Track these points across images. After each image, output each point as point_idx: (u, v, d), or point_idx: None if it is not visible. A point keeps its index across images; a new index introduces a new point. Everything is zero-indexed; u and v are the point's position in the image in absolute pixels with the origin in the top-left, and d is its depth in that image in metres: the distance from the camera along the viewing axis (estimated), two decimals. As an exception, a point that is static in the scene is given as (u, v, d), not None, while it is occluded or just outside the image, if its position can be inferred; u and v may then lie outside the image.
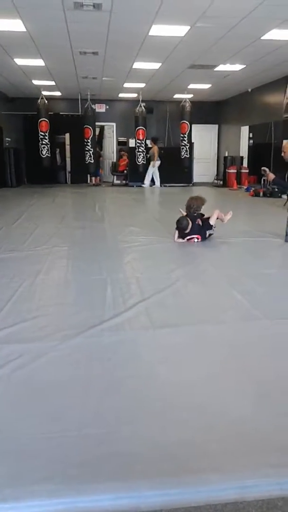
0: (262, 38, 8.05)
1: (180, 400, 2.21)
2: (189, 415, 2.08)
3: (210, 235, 5.88)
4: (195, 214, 5.86)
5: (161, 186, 14.84)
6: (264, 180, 12.50)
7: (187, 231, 5.69)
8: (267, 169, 6.20)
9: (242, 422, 2.03)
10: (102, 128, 16.83)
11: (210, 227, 5.83)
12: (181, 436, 1.93)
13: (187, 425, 2.01)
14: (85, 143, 14.00)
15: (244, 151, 15.19)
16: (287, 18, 6.91)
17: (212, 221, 5.82)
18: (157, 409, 2.13)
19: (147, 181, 14.69)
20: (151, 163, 14.57)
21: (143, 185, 14.64)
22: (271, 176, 6.05)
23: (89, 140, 14.06)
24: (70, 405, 2.15)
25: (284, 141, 6.59)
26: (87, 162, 14.25)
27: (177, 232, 5.84)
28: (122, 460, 1.78)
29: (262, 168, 6.29)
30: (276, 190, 11.60)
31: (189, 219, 5.73)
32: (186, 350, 2.76)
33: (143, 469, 1.73)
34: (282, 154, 6.14)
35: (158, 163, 14.67)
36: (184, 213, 6.00)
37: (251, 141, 14.76)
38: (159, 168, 14.83)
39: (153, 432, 1.96)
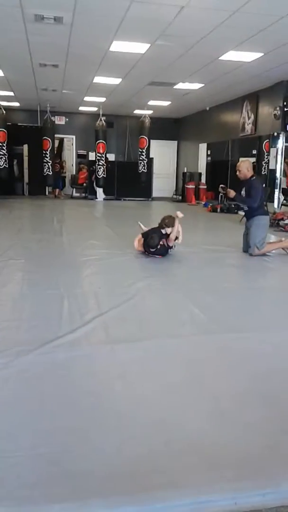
0: (220, 58, 8.29)
1: (136, 416, 2.18)
2: (145, 431, 2.05)
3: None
4: (164, 233, 5.78)
5: (120, 200, 14.89)
6: (221, 196, 12.78)
7: (153, 250, 5.68)
8: (225, 187, 6.33)
9: (198, 436, 2.02)
10: (61, 141, 16.74)
11: (171, 247, 5.85)
12: (137, 453, 1.90)
13: (143, 441, 1.98)
14: (44, 155, 13.88)
15: (202, 168, 15.50)
16: (243, 40, 7.15)
17: (171, 242, 5.80)
18: (113, 426, 2.09)
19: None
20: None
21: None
22: (232, 193, 6.16)
23: (47, 152, 13.94)
24: (22, 423, 2.08)
25: (241, 159, 6.76)
26: (45, 174, 14.12)
27: (141, 240, 5.79)
28: (76, 479, 1.74)
29: (221, 185, 6.42)
30: (233, 206, 11.88)
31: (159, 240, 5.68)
32: (143, 365, 2.74)
33: (97, 488, 1.69)
34: (237, 173, 6.25)
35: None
36: (144, 228, 5.99)
37: (209, 158, 15.09)
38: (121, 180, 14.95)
39: (108, 450, 1.92)
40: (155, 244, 5.60)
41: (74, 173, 16.46)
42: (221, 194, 6.41)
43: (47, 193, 15.57)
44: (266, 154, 11.08)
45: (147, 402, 2.30)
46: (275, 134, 10.64)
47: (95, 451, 1.92)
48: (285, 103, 10.05)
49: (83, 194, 15.59)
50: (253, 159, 12.01)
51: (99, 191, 14.86)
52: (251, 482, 1.75)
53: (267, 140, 11.01)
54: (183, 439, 2.00)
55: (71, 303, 3.79)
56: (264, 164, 11.18)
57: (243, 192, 6.07)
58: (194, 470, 1.81)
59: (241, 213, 10.97)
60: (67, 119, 16.29)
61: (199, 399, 2.36)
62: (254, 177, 6.17)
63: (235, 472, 1.79)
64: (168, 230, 5.73)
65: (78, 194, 15.78)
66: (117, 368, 2.68)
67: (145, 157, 14.38)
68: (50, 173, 14.15)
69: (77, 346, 2.95)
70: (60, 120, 15.98)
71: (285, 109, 10.06)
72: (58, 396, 2.34)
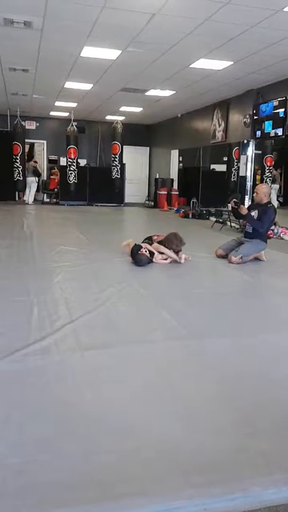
0: (191, 66, 8.39)
1: (105, 423, 2.16)
2: (114, 439, 2.04)
3: None
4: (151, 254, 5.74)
5: (92, 205, 14.85)
6: (193, 202, 12.90)
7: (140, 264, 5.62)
8: (238, 202, 6.35)
9: (167, 442, 2.02)
10: (31, 146, 16.59)
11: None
12: (105, 461, 1.88)
13: (112, 449, 1.96)
14: (14, 160, 13.73)
15: (174, 174, 15.62)
16: (213, 48, 7.26)
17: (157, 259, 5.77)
18: (81, 434, 2.07)
19: None
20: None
21: None
22: (245, 210, 6.17)
23: (17, 157, 13.81)
24: (-11, 434, 2.03)
25: (260, 184, 6.81)
26: (15, 179, 13.96)
27: (130, 245, 5.77)
28: (42, 490, 1.70)
29: (234, 200, 6.36)
30: (204, 212, 12.00)
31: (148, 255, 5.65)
32: (113, 371, 2.72)
33: (65, 498, 1.67)
34: (254, 195, 6.35)
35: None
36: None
37: (181, 164, 15.23)
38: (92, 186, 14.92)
39: (76, 459, 1.89)
40: (144, 263, 5.58)
41: (44, 178, 16.30)
42: (232, 207, 6.35)
43: (17, 198, 15.36)
44: (235, 161, 11.26)
45: (116, 409, 2.29)
46: (245, 141, 10.81)
47: (63, 459, 1.89)
48: (254, 111, 10.24)
49: (54, 200, 15.46)
50: (224, 166, 12.21)
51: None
52: (220, 487, 1.75)
53: (237, 147, 11.19)
54: (152, 446, 1.99)
55: (41, 310, 3.74)
56: (234, 171, 11.35)
57: (254, 214, 6.10)
58: (162, 477, 1.80)
59: (212, 218, 11.15)
60: (37, 124, 16.16)
61: (168, 404, 2.36)
62: (271, 205, 6.23)
63: (203, 477, 1.80)
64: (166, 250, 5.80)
65: (48, 200, 15.64)
66: (87, 375, 2.66)
67: (118, 163, 14.40)
68: (21, 178, 14.00)
69: (46, 354, 2.90)
70: (30, 125, 15.85)
71: (255, 117, 10.24)
72: (26, 405, 2.30)
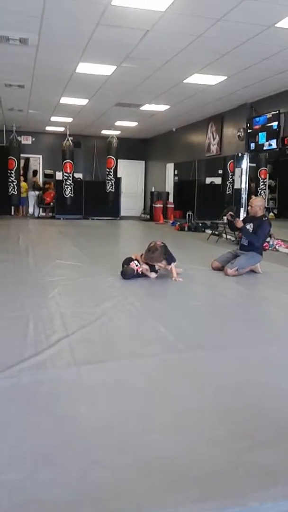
0: (185, 81, 8.50)
1: (102, 439, 2.14)
2: (111, 455, 2.01)
3: None
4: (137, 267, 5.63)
5: (88, 219, 14.90)
6: (189, 215, 12.95)
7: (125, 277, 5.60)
8: (234, 215, 6.34)
9: (163, 457, 2.00)
10: (27, 160, 16.69)
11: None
12: (102, 477, 1.86)
13: (109, 465, 1.94)
14: (9, 174, 13.80)
15: (170, 187, 15.71)
16: (207, 64, 7.36)
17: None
18: (78, 450, 2.05)
19: None
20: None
21: None
22: (240, 223, 6.18)
23: (13, 172, 13.88)
24: (-16, 451, 2.01)
25: (254, 197, 6.82)
26: (10, 194, 14.00)
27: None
28: (40, 507, 1.68)
29: (230, 213, 6.40)
30: (200, 225, 12.05)
31: (134, 268, 5.58)
32: (108, 386, 2.70)
33: (61, 517, 1.64)
34: (249, 208, 6.38)
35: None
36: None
37: (176, 178, 15.32)
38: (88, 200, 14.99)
39: (73, 475, 1.87)
40: (128, 276, 5.55)
41: (40, 192, 16.38)
42: (228, 219, 6.37)
43: (12, 212, 15.40)
44: (231, 174, 11.34)
45: (112, 424, 2.27)
46: (239, 154, 10.91)
47: (60, 476, 1.86)
48: (248, 125, 10.36)
49: (50, 214, 15.50)
50: (219, 179, 12.30)
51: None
52: (217, 502, 1.74)
53: (232, 160, 11.28)
54: (148, 461, 1.97)
55: (36, 325, 3.73)
56: (228, 184, 11.43)
57: (249, 227, 6.14)
58: (159, 492, 1.78)
59: (208, 231, 11.18)
60: (33, 139, 16.27)
61: (165, 419, 2.34)
62: (266, 218, 6.26)
63: (200, 492, 1.78)
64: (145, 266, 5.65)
65: (44, 214, 15.68)
66: (83, 391, 2.63)
67: (113, 177, 14.47)
68: (15, 193, 14.06)
69: (42, 369, 2.88)
70: (26, 140, 15.95)
71: (249, 131, 10.35)
72: (22, 421, 2.28)
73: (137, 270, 5.58)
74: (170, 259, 5.65)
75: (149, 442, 2.13)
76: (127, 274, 5.54)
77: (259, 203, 6.32)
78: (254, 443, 2.12)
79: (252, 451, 2.06)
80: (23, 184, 15.03)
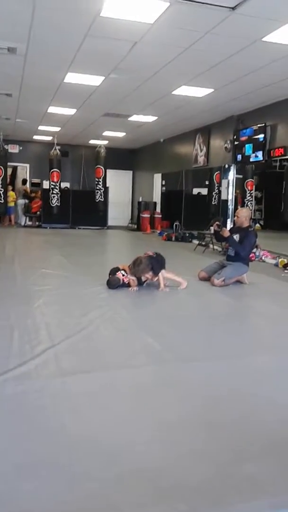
0: (172, 93, 8.57)
1: (88, 451, 2.10)
2: (97, 466, 1.98)
3: None
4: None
5: (75, 228, 14.87)
6: (176, 225, 13.00)
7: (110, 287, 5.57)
8: (221, 225, 6.35)
9: (150, 469, 1.97)
10: (14, 169, 16.64)
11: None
12: (88, 489, 1.83)
13: (94, 476, 1.91)
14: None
15: (157, 197, 15.77)
16: (194, 76, 7.44)
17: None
18: (63, 462, 2.01)
19: None
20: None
21: None
22: (227, 232, 6.21)
23: (-1, 180, 13.83)
24: None
25: (241, 207, 6.85)
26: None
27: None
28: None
29: (216, 223, 6.41)
30: (187, 235, 12.10)
31: (120, 278, 5.56)
32: (94, 397, 2.67)
33: (45, 532, 1.60)
34: (235, 219, 6.42)
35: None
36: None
37: (164, 188, 15.40)
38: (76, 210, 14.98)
39: (58, 487, 1.83)
40: (111, 287, 5.53)
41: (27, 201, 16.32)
42: (215, 230, 6.40)
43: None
44: (217, 185, 11.44)
45: (98, 436, 2.24)
46: (226, 166, 11.01)
47: (46, 488, 1.83)
48: (235, 137, 10.47)
49: (37, 223, 15.44)
50: (206, 190, 12.39)
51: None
52: (204, 516, 1.71)
53: (218, 171, 11.38)
54: (135, 472, 1.94)
55: (21, 335, 3.68)
56: (215, 195, 11.51)
57: (235, 237, 6.16)
58: (146, 505, 1.75)
59: (195, 241, 11.22)
60: (21, 148, 16.24)
61: (152, 430, 2.31)
62: (252, 229, 6.34)
63: (188, 505, 1.75)
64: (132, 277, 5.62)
65: (31, 223, 15.61)
66: (68, 402, 2.60)
67: (102, 187, 14.49)
68: (2, 201, 13.98)
69: (27, 380, 2.84)
70: (13, 149, 15.91)
71: (235, 142, 10.46)
72: (6, 432, 2.23)
73: (123, 280, 5.56)
74: (156, 269, 5.64)
75: (136, 453, 2.10)
76: (112, 284, 5.52)
77: (245, 214, 6.37)
78: (241, 455, 2.11)
79: (240, 463, 2.04)
80: (11, 193, 14.94)
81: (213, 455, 2.10)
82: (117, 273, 5.62)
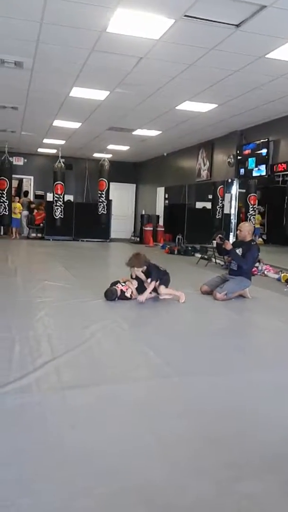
0: (176, 108, 8.64)
1: (86, 466, 2.08)
2: (97, 482, 1.96)
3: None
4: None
5: (78, 240, 14.91)
6: (178, 238, 13.01)
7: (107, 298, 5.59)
8: (223, 238, 6.34)
9: (149, 486, 1.95)
10: (20, 181, 16.77)
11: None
12: (85, 506, 1.81)
13: (91, 492, 1.89)
14: (0, 195, 13.81)
15: (160, 210, 15.81)
16: (199, 92, 7.51)
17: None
18: (63, 477, 1.99)
19: None
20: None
21: None
22: (229, 245, 6.22)
23: (4, 192, 13.90)
24: None
25: (244, 223, 6.87)
26: (1, 214, 13.98)
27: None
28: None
29: (219, 235, 6.41)
30: (190, 248, 12.10)
31: (117, 289, 5.58)
32: (96, 411, 2.65)
33: None
34: (238, 232, 6.43)
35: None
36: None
37: (167, 201, 15.45)
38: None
39: (55, 503, 1.81)
40: (108, 299, 5.55)
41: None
42: (217, 243, 6.42)
43: (2, 233, 15.35)
44: (220, 199, 11.47)
45: (96, 451, 2.22)
46: (229, 180, 11.05)
47: (42, 504, 1.81)
48: (238, 152, 10.53)
49: (40, 235, 15.48)
50: (209, 204, 12.42)
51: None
52: (203, 535, 1.69)
53: (222, 186, 11.42)
54: (134, 489, 1.92)
55: (22, 347, 3.67)
56: (218, 209, 11.54)
57: (238, 251, 6.16)
58: (145, 524, 1.73)
59: (198, 255, 11.22)
60: (25, 160, 16.36)
61: (150, 446, 2.29)
62: (254, 243, 6.32)
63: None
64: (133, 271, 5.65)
65: (34, 235, 15.65)
66: (68, 416, 2.58)
67: (105, 199, 14.56)
68: (7, 213, 14.04)
69: (27, 393, 2.82)
70: (18, 161, 16.03)
71: (238, 157, 10.51)
72: (4, 446, 2.22)
73: (122, 290, 5.56)
74: (151, 274, 5.62)
75: (134, 469, 2.08)
76: (109, 295, 5.55)
77: (248, 228, 6.38)
78: (241, 473, 2.08)
79: (239, 481, 2.02)
80: (17, 205, 14.91)
81: (212, 472, 2.08)
82: (116, 285, 5.63)
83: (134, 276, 5.71)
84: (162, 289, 5.67)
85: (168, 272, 5.85)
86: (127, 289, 5.61)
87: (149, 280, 5.64)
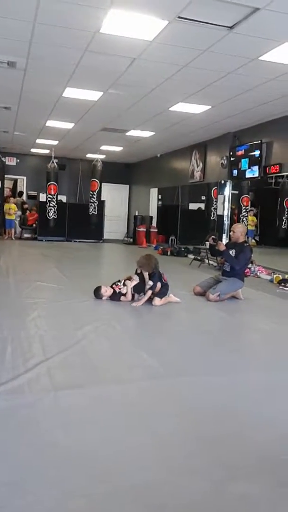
0: (170, 109, 8.65)
1: (78, 467, 2.08)
2: (88, 483, 1.96)
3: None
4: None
5: (71, 241, 14.86)
6: (171, 239, 13.02)
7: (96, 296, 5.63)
8: (216, 238, 6.38)
9: (142, 486, 1.95)
10: (15, 182, 16.71)
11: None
12: (79, 506, 1.80)
13: (85, 493, 1.88)
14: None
15: (153, 211, 15.82)
16: (192, 93, 7.52)
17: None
18: (53, 478, 1.98)
19: None
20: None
21: None
22: (222, 246, 6.26)
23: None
24: None
25: (237, 224, 6.91)
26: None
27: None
28: None
29: (212, 237, 6.44)
30: (183, 249, 12.11)
31: (107, 289, 5.63)
32: (87, 412, 2.64)
33: None
34: (231, 233, 6.47)
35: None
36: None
37: (160, 203, 15.46)
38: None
39: (49, 504, 1.81)
40: (97, 297, 5.62)
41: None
42: (210, 244, 6.48)
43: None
44: (214, 200, 11.49)
45: (89, 452, 2.21)
46: (222, 181, 11.08)
47: (35, 505, 1.80)
48: (231, 153, 10.56)
49: (32, 235, 15.42)
50: (202, 205, 12.45)
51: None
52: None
53: (215, 187, 11.45)
54: (127, 490, 1.92)
55: (14, 348, 3.65)
56: (212, 210, 11.56)
57: (231, 252, 6.18)
58: (137, 525, 1.73)
59: (190, 256, 11.24)
60: (18, 160, 16.30)
61: (144, 446, 2.29)
62: (247, 244, 6.36)
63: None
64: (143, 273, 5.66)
65: (27, 235, 15.58)
66: (60, 417, 2.57)
67: (96, 200, 14.53)
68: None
69: (19, 394, 2.81)
70: (10, 161, 15.97)
71: (232, 159, 10.54)
72: (-4, 448, 2.20)
73: (114, 291, 5.57)
74: (152, 280, 5.62)
75: (127, 470, 2.07)
76: (97, 292, 5.65)
77: (240, 229, 6.40)
78: (235, 473, 2.09)
79: (233, 481, 2.02)
80: (12, 205, 14.70)
81: (206, 472, 2.08)
82: (113, 286, 5.64)
83: (138, 271, 5.70)
84: (157, 301, 5.61)
85: (168, 284, 5.83)
86: (120, 288, 5.60)
87: (150, 282, 5.63)
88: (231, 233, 6.47)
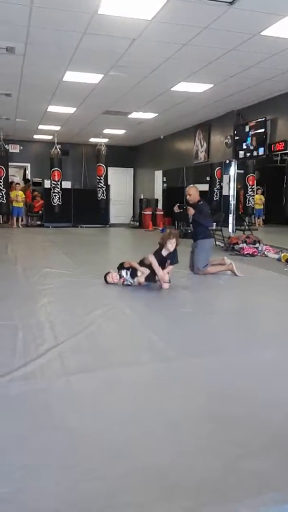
0: (172, 89, 8.54)
1: (93, 449, 2.11)
2: (103, 465, 1.99)
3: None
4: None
5: (77, 227, 14.86)
6: (177, 222, 12.98)
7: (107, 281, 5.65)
8: (182, 205, 6.57)
9: (155, 466, 1.98)
10: (24, 169, 16.69)
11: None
12: (94, 488, 1.83)
13: (100, 475, 1.92)
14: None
15: (158, 194, 15.74)
16: (193, 72, 7.41)
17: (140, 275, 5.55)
18: (68, 461, 2.02)
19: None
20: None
21: None
22: (192, 210, 6.43)
23: (1, 180, 13.82)
24: (-28, 464, 1.97)
25: (189, 186, 7.13)
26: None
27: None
28: (29, 521, 1.65)
29: (177, 205, 6.78)
30: (189, 231, 12.07)
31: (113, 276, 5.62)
32: (99, 396, 2.68)
33: (52, 530, 1.61)
34: (188, 197, 6.66)
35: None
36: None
37: (165, 185, 15.37)
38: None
39: (63, 486, 1.84)
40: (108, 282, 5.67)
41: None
42: (177, 212, 6.67)
43: (1, 221, 15.30)
44: (218, 180, 11.41)
45: (103, 434, 2.24)
46: (227, 161, 10.98)
47: (50, 487, 1.84)
48: (235, 132, 10.43)
49: (39, 222, 15.45)
50: (207, 186, 12.36)
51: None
52: (210, 510, 1.72)
53: (219, 167, 11.35)
54: (140, 471, 1.95)
55: (25, 334, 3.69)
56: (216, 190, 11.48)
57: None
58: (152, 503, 1.76)
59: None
60: (21, 147, 16.23)
61: (157, 427, 2.32)
62: (201, 202, 6.57)
63: (193, 501, 1.76)
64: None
65: (34, 222, 15.62)
66: (73, 401, 2.61)
67: (103, 185, 14.49)
68: (4, 201, 13.97)
69: (31, 379, 2.85)
70: (14, 148, 15.91)
71: (236, 138, 10.42)
72: (10, 432, 2.25)
73: (130, 269, 5.57)
74: (172, 258, 5.59)
75: (141, 451, 2.11)
76: (106, 278, 5.68)
77: (194, 190, 6.64)
78: (246, 451, 2.11)
79: (245, 459, 2.04)
80: (20, 193, 14.60)
81: (218, 450, 2.11)
82: (119, 271, 5.62)
83: (148, 263, 5.53)
84: (166, 285, 5.55)
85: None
86: (125, 280, 5.57)
87: (170, 266, 5.59)
88: (188, 196, 6.68)
